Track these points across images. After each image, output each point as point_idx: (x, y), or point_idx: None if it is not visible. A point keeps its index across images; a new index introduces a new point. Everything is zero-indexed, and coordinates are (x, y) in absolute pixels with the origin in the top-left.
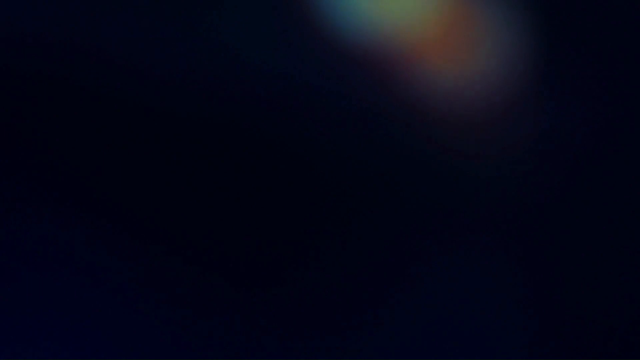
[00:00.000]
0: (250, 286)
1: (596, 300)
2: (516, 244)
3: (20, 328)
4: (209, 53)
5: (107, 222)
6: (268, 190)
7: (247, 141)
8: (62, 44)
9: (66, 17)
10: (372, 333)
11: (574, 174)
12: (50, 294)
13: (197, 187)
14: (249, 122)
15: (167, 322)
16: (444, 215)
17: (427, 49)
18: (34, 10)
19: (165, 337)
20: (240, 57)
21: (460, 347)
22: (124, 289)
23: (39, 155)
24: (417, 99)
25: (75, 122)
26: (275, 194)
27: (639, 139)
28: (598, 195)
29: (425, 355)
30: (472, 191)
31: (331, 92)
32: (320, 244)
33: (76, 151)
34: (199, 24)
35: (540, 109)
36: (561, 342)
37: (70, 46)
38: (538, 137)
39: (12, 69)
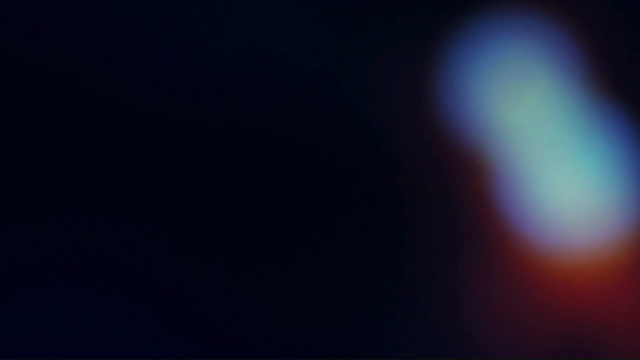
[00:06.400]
0: (253, 286)
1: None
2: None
3: (20, 328)
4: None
5: (108, 221)
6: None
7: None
8: (64, 44)
9: (68, 16)
10: (371, 332)
11: None
12: (51, 293)
13: (203, 188)
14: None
15: (166, 322)
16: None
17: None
18: (35, 9)
19: (165, 336)
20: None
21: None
22: (124, 289)
23: (39, 154)
24: None
25: (79, 122)
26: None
27: None
28: None
29: (426, 355)
30: None
31: None
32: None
33: (78, 151)
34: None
35: None
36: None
37: (73, 45)
38: None
39: (13, 69)
